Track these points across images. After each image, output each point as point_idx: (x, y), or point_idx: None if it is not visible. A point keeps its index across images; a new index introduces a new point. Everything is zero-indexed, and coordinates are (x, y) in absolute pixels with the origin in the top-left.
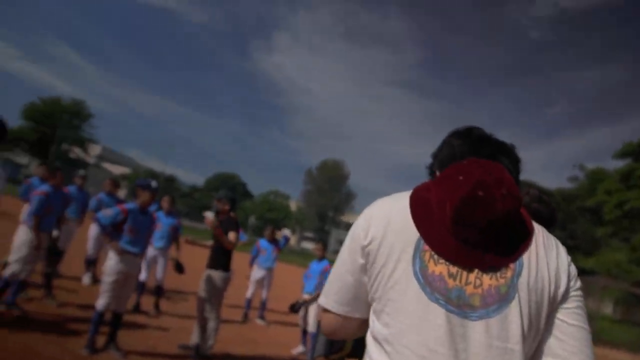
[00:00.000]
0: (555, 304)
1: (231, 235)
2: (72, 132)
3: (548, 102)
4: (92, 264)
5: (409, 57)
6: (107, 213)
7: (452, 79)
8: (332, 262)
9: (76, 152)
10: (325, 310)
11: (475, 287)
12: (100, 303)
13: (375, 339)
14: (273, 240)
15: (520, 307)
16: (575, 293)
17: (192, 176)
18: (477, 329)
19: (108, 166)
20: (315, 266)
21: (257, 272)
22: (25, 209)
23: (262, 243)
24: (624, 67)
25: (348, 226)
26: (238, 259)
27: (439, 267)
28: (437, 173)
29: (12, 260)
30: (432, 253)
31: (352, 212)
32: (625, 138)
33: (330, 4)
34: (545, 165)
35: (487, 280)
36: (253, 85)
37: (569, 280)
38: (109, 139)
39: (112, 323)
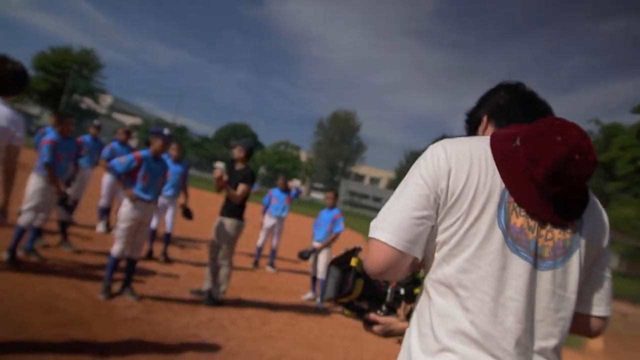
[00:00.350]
0: (598, 258)
1: (240, 188)
2: (83, 82)
3: (567, 54)
4: (105, 212)
5: (425, 5)
6: (121, 160)
7: (469, 29)
8: (342, 212)
9: (87, 102)
10: (379, 246)
11: (546, 240)
12: (115, 249)
13: (442, 283)
14: (285, 190)
15: (580, 261)
16: (608, 249)
17: (202, 127)
18: (544, 278)
19: (119, 116)
20: (326, 214)
21: (268, 221)
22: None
23: (275, 192)
24: None
25: (358, 177)
26: (249, 209)
27: (520, 220)
28: (487, 122)
29: (25, 209)
30: (515, 205)
31: (363, 163)
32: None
33: None
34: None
35: (557, 234)
36: (266, 33)
37: (608, 237)
38: (120, 89)
39: (126, 269)
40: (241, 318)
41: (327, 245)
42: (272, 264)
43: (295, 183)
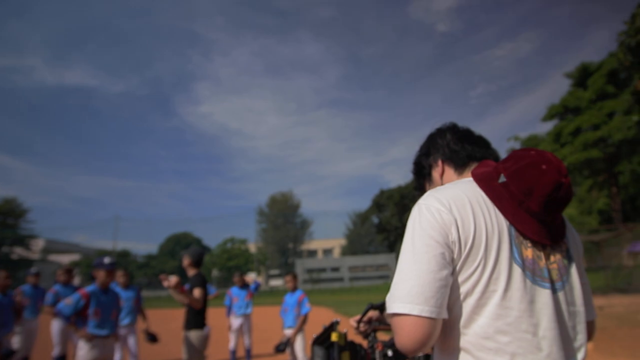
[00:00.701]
0: (581, 268)
1: (195, 292)
2: (9, 231)
3: (470, 86)
4: None
5: (331, 77)
6: (67, 302)
7: (376, 86)
8: (304, 291)
9: (17, 251)
10: (412, 320)
11: (551, 263)
12: None
13: (479, 335)
14: (244, 286)
15: (577, 274)
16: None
17: (145, 246)
18: (561, 299)
19: (55, 257)
20: (290, 298)
21: (235, 321)
22: None
23: (234, 291)
24: (531, 37)
25: (310, 254)
26: (214, 314)
27: (529, 251)
28: (442, 165)
29: None
30: (522, 238)
31: (311, 238)
32: (547, 102)
33: (243, 44)
34: None
35: (557, 255)
36: (186, 140)
37: (582, 247)
38: (52, 229)
39: None
40: None
41: (299, 330)
42: None
43: (251, 277)
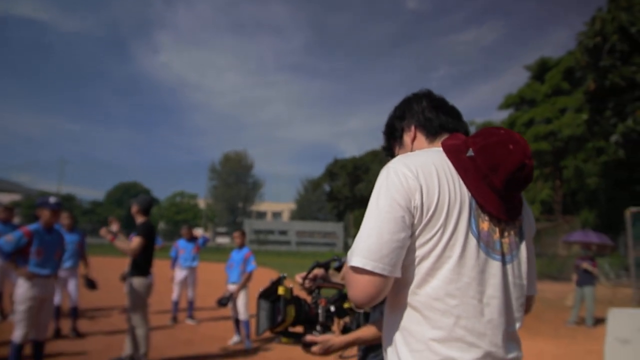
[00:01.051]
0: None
1: (133, 240)
2: None
3: (432, 67)
4: None
5: (295, 41)
6: (8, 239)
7: (340, 56)
8: (251, 250)
9: None
10: (364, 276)
11: (503, 237)
12: (17, 335)
13: (431, 296)
14: (191, 239)
15: (526, 251)
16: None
17: (91, 192)
18: (509, 272)
19: None
20: (236, 255)
21: (179, 273)
22: None
23: (181, 243)
24: (497, 26)
25: (259, 215)
26: (159, 265)
27: (485, 224)
28: (415, 131)
29: None
30: (480, 211)
31: (262, 200)
32: (505, 91)
33: None
34: None
35: (511, 230)
36: (141, 88)
37: (534, 227)
38: None
39: (34, 354)
40: None
41: (243, 286)
42: (191, 316)
43: (199, 232)
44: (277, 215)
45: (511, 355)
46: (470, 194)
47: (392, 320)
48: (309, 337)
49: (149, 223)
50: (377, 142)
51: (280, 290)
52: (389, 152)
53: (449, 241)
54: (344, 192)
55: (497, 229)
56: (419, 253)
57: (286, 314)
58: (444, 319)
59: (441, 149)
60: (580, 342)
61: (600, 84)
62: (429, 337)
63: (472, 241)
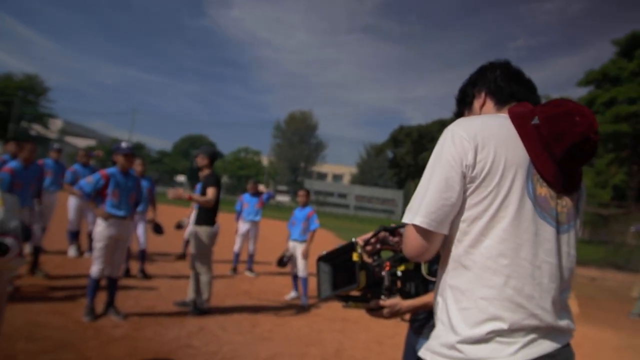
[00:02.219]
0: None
1: (208, 192)
2: (30, 108)
3: (510, 37)
4: (75, 235)
5: (369, 3)
6: (89, 180)
7: (413, 21)
8: (314, 209)
9: (36, 128)
10: (415, 230)
11: (562, 206)
12: (94, 270)
13: (484, 255)
14: (255, 194)
15: (579, 222)
16: None
17: (159, 142)
18: (563, 241)
19: (72, 140)
20: (299, 213)
21: (242, 226)
22: None
23: (246, 197)
24: None
25: (320, 176)
26: (223, 218)
27: (544, 190)
28: (485, 98)
29: None
30: (539, 177)
31: (324, 161)
32: (587, 67)
33: None
34: None
35: (569, 201)
36: (213, 43)
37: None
38: (71, 111)
39: (108, 289)
40: (230, 323)
41: (309, 244)
42: (250, 269)
43: (263, 188)
44: (337, 177)
45: (562, 323)
46: (529, 160)
47: (444, 279)
48: (378, 302)
49: (215, 174)
50: (444, 111)
51: (355, 257)
52: (459, 117)
53: (503, 201)
54: (406, 159)
55: (555, 197)
56: (473, 212)
57: (360, 280)
58: (495, 278)
59: (507, 115)
60: None
61: None
62: (479, 295)
63: (528, 204)
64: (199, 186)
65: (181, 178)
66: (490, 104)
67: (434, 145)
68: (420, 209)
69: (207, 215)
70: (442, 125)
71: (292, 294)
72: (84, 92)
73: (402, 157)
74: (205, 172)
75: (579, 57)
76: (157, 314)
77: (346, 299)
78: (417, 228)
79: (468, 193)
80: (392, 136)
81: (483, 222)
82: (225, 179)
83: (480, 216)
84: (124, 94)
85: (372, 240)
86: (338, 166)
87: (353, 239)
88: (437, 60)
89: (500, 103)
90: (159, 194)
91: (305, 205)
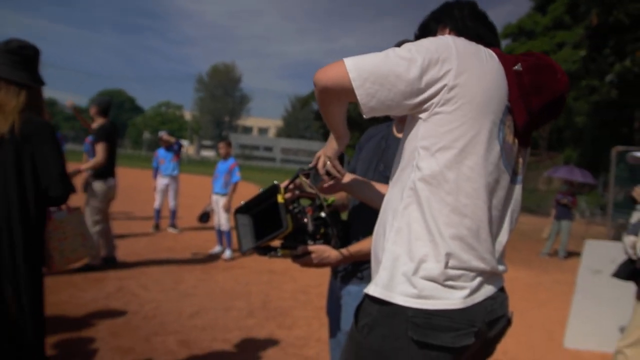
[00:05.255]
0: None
1: (97, 150)
2: None
3: None
4: None
5: None
6: None
7: None
8: (236, 160)
9: None
10: (342, 67)
11: (519, 157)
12: None
13: (445, 190)
14: (169, 148)
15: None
16: None
17: (75, 97)
18: (515, 191)
19: None
20: (222, 165)
21: (160, 182)
22: None
23: (160, 153)
24: None
25: (246, 130)
26: (140, 175)
27: (511, 137)
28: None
29: None
30: (510, 123)
31: (249, 115)
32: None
33: None
34: None
35: (522, 154)
36: None
37: None
38: None
39: None
40: (152, 282)
41: (230, 198)
42: (173, 225)
43: (165, 135)
44: (263, 131)
45: (501, 268)
46: (507, 104)
47: (396, 208)
48: (302, 248)
49: (108, 124)
50: None
51: (280, 198)
52: None
53: (475, 137)
54: None
55: (517, 147)
56: (439, 140)
57: (288, 224)
58: (453, 216)
59: (492, 52)
60: (551, 272)
61: (604, 19)
62: (434, 230)
63: (497, 147)
64: (89, 139)
65: (69, 104)
66: None
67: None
68: (364, 65)
69: (101, 169)
70: None
71: (217, 248)
72: None
73: None
74: (98, 122)
75: (496, 11)
76: (72, 276)
77: (270, 250)
78: (345, 72)
79: (436, 116)
80: None
81: (450, 154)
82: (147, 135)
83: (448, 147)
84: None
85: (290, 186)
86: (263, 119)
87: (275, 182)
88: (362, 9)
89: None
90: (74, 152)
91: (227, 157)
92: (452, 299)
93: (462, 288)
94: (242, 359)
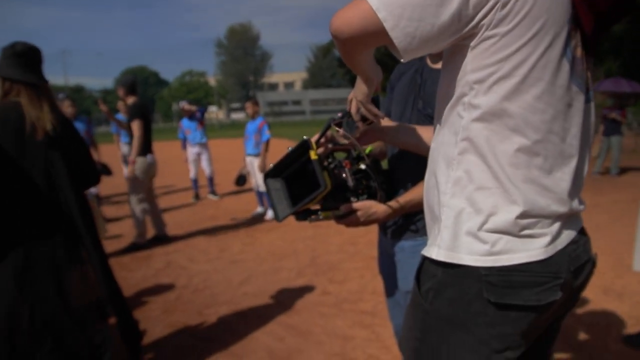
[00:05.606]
0: None
1: (133, 128)
2: None
3: None
4: None
5: None
6: None
7: None
8: (265, 118)
9: None
10: (363, 8)
11: (587, 70)
12: None
13: (508, 126)
14: (192, 117)
15: None
16: None
17: (100, 81)
18: (589, 110)
19: None
20: (250, 126)
21: (191, 150)
22: None
23: (184, 123)
24: None
25: (272, 86)
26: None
27: (579, 50)
28: None
29: None
30: (577, 32)
31: (272, 71)
32: None
33: None
34: None
35: (591, 64)
36: None
37: None
38: None
39: None
40: (198, 253)
41: (263, 157)
42: (213, 192)
43: (186, 105)
44: (289, 85)
45: (580, 207)
46: (572, 11)
47: (450, 158)
48: (345, 207)
49: (138, 102)
50: None
51: (313, 155)
52: None
53: (540, 59)
54: None
55: (585, 59)
56: (496, 70)
57: (327, 182)
58: (521, 155)
59: None
60: (607, 192)
61: None
62: (504, 175)
63: (566, 66)
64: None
65: (103, 109)
66: None
67: None
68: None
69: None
70: None
71: (259, 209)
72: (10, 39)
73: None
74: (129, 102)
75: None
76: (119, 257)
77: (310, 214)
78: (365, 9)
79: (487, 41)
80: None
81: (511, 84)
82: (175, 107)
83: (507, 75)
84: (51, 37)
85: (322, 140)
86: (287, 74)
87: (304, 137)
88: None
89: None
90: (107, 134)
91: (255, 116)
92: (532, 250)
93: (541, 235)
94: (297, 322)
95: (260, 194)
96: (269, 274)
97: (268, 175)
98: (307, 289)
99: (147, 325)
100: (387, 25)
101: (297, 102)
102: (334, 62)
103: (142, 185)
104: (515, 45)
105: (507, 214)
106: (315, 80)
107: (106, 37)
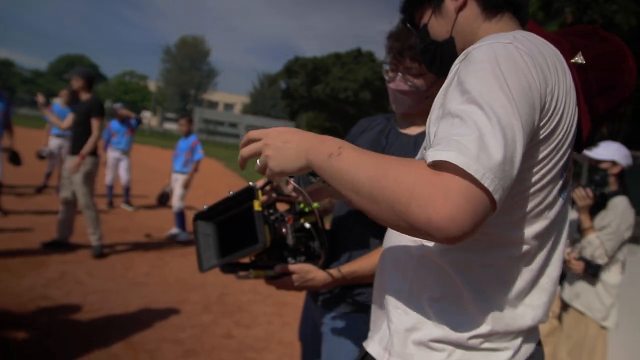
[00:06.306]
0: None
1: (94, 125)
2: None
3: None
4: None
5: None
6: None
7: None
8: (199, 138)
9: None
10: (472, 191)
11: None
12: None
13: (514, 256)
14: (124, 121)
15: None
16: None
17: (33, 60)
18: (568, 210)
19: None
20: (183, 143)
21: (111, 155)
22: None
23: (114, 125)
24: None
25: (211, 104)
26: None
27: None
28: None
29: None
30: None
31: (215, 89)
32: None
33: None
34: None
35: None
36: None
37: None
38: None
39: None
40: (99, 268)
41: (192, 176)
42: (127, 202)
43: (125, 111)
44: (229, 107)
45: (544, 319)
46: (576, 118)
47: (410, 254)
48: (280, 267)
49: (99, 99)
50: (340, 45)
51: (257, 206)
52: (409, 20)
53: (549, 173)
54: (300, 91)
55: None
56: (528, 186)
57: (266, 238)
58: (491, 271)
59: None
60: None
61: (578, 18)
62: (468, 287)
63: (560, 183)
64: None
65: (40, 100)
66: (474, 9)
67: (329, 79)
68: (491, 157)
69: (79, 143)
70: (337, 58)
71: (174, 230)
72: None
73: (296, 89)
74: (84, 97)
75: None
76: (8, 258)
77: (238, 268)
78: (475, 186)
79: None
80: (287, 66)
81: (534, 203)
82: (108, 104)
83: (542, 187)
84: None
85: (267, 187)
86: (230, 95)
87: (251, 183)
88: None
89: (490, 10)
90: (28, 117)
91: (188, 134)
92: None
93: (504, 349)
94: None
95: (179, 215)
96: (172, 304)
97: (199, 217)
98: (209, 329)
99: (15, 350)
100: (497, 197)
101: (233, 125)
102: (278, 93)
103: (92, 185)
104: (543, 154)
105: (467, 329)
106: (255, 106)
107: (48, 17)
